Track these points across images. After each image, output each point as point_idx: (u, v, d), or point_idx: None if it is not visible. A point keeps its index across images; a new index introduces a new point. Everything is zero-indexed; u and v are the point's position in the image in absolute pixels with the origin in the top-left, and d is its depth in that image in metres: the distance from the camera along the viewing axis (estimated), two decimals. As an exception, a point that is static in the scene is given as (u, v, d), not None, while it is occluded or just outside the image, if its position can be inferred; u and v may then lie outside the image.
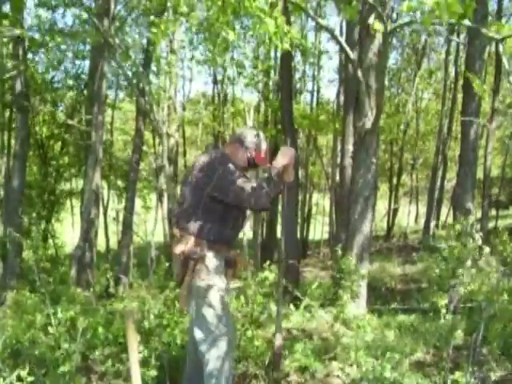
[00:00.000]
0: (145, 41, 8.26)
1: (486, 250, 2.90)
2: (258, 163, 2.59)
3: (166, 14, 7.06)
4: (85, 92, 10.03)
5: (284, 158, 2.43)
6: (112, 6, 6.77)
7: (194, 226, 2.44)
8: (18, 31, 5.35)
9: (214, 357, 2.41)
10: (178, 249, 2.43)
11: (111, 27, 6.50)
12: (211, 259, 2.43)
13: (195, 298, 2.45)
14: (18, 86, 6.74)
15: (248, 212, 2.63)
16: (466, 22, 2.57)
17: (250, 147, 2.56)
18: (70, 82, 9.94)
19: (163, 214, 11.68)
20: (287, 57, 8.60)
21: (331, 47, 44.71)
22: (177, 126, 12.78)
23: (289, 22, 7.77)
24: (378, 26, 2.09)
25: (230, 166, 2.43)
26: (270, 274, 3.38)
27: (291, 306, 4.37)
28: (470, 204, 5.40)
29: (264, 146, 2.60)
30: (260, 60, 10.91)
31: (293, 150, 2.49)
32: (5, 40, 6.46)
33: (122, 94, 12.34)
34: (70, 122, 8.80)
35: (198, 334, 2.46)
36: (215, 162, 2.44)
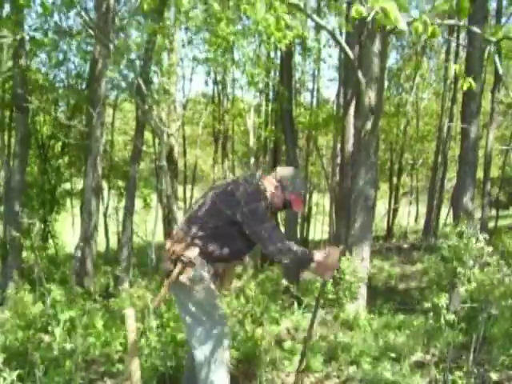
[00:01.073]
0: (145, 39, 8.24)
1: (487, 249, 2.90)
2: (293, 208, 2.58)
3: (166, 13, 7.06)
4: (85, 92, 10.04)
5: (328, 259, 2.37)
6: (111, 7, 6.76)
7: (197, 233, 2.44)
8: (18, 36, 5.34)
9: (204, 352, 2.42)
10: (172, 247, 2.45)
11: (111, 28, 6.49)
12: (200, 263, 2.44)
13: (182, 295, 2.47)
14: (18, 86, 6.74)
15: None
16: (466, 23, 2.56)
17: (290, 191, 2.53)
18: (71, 82, 9.95)
19: (163, 213, 11.69)
20: (287, 56, 8.61)
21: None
22: (177, 126, 12.77)
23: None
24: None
25: (262, 204, 2.41)
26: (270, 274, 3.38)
27: (292, 306, 4.37)
28: (470, 204, 5.40)
29: (303, 191, 2.60)
30: (261, 60, 10.90)
31: (338, 253, 2.40)
32: (6, 41, 6.44)
33: (122, 94, 12.33)
34: (68, 123, 8.79)
35: (188, 331, 2.48)
36: (249, 194, 2.41)
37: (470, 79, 2.68)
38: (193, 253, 2.42)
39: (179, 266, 2.40)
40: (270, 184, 2.55)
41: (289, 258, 2.33)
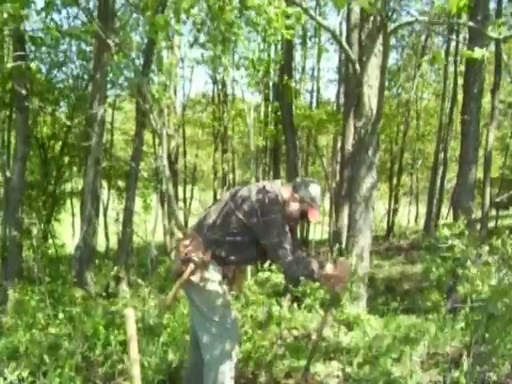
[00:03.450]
0: (145, 40, 8.25)
1: (485, 249, 2.90)
2: (309, 218, 2.57)
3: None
4: (86, 92, 10.03)
5: (338, 272, 2.41)
6: (112, 6, 6.76)
7: (211, 236, 2.45)
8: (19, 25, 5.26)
9: (214, 352, 2.41)
10: (185, 249, 2.44)
11: (111, 27, 6.49)
12: (211, 266, 2.45)
13: (194, 296, 2.47)
14: (18, 86, 6.73)
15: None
16: (468, 21, 2.56)
17: (306, 202, 2.53)
18: (71, 82, 9.94)
19: (164, 213, 11.69)
20: (288, 57, 8.61)
21: (331, 47, 44.61)
22: (176, 126, 12.76)
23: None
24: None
25: (279, 216, 2.41)
26: (271, 275, 3.38)
27: (293, 306, 4.37)
28: (470, 204, 5.40)
29: (319, 202, 2.58)
30: (260, 59, 10.89)
31: (349, 266, 2.48)
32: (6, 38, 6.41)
33: (122, 94, 12.32)
34: (69, 123, 8.78)
35: (199, 331, 2.48)
36: (267, 203, 2.41)
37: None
38: (205, 255, 2.43)
39: (191, 266, 2.41)
40: (289, 194, 2.55)
41: (300, 272, 2.38)
